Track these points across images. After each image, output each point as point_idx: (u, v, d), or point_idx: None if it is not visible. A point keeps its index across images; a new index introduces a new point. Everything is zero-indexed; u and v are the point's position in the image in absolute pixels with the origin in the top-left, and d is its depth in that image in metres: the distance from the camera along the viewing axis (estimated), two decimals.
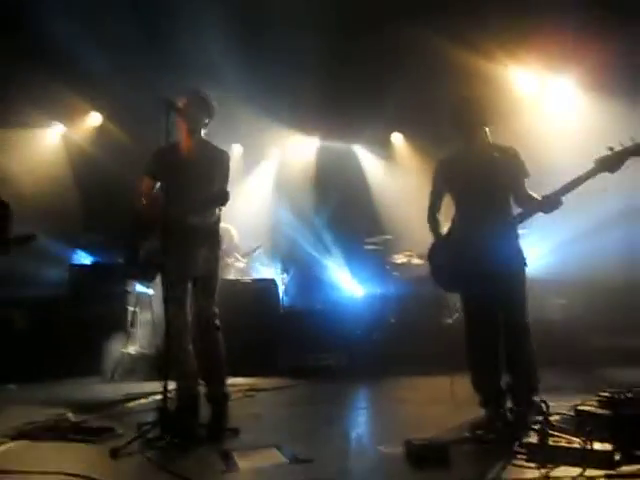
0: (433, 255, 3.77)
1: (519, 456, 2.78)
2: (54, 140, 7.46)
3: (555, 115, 6.99)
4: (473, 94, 3.83)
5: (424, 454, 2.80)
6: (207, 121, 3.85)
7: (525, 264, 3.51)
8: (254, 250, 7.50)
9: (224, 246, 4.31)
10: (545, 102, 7.12)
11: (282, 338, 6.20)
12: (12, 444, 3.33)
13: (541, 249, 6.55)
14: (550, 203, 3.30)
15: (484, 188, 3.48)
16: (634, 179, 4.66)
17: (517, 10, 5.81)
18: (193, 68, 6.01)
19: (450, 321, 6.68)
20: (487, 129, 3.61)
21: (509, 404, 3.41)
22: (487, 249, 3.39)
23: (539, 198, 3.38)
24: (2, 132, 6.77)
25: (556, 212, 3.34)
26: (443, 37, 6.07)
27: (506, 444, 2.95)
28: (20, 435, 3.45)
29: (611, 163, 3.11)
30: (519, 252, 3.52)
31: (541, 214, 3.41)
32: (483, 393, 3.54)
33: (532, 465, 2.64)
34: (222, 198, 3.44)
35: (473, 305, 3.57)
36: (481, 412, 3.50)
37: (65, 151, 7.53)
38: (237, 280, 6.70)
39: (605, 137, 3.27)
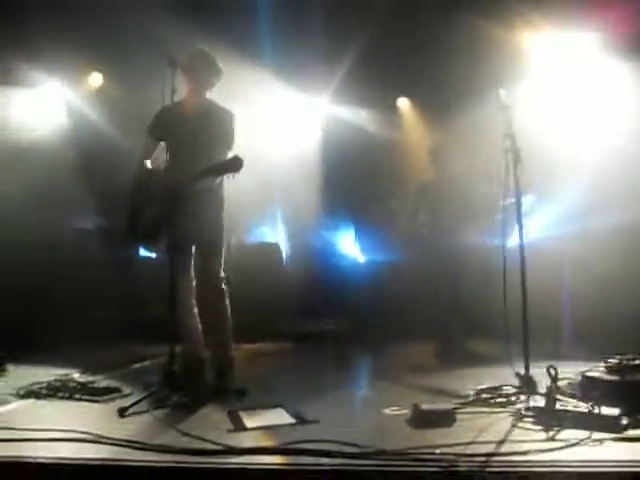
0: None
1: (526, 419, 2.79)
2: (54, 100, 7.28)
3: (575, 81, 6.71)
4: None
5: (430, 416, 2.81)
6: (213, 82, 3.77)
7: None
8: None
9: None
10: (562, 66, 6.79)
11: (285, 303, 6.21)
12: (19, 403, 3.35)
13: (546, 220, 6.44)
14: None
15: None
16: None
17: None
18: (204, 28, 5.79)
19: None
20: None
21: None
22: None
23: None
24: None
25: None
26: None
27: (512, 408, 2.99)
28: (27, 394, 3.48)
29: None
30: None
31: None
32: None
33: (539, 428, 2.65)
34: (236, 166, 3.30)
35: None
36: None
37: (65, 112, 7.35)
38: (241, 244, 6.66)
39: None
